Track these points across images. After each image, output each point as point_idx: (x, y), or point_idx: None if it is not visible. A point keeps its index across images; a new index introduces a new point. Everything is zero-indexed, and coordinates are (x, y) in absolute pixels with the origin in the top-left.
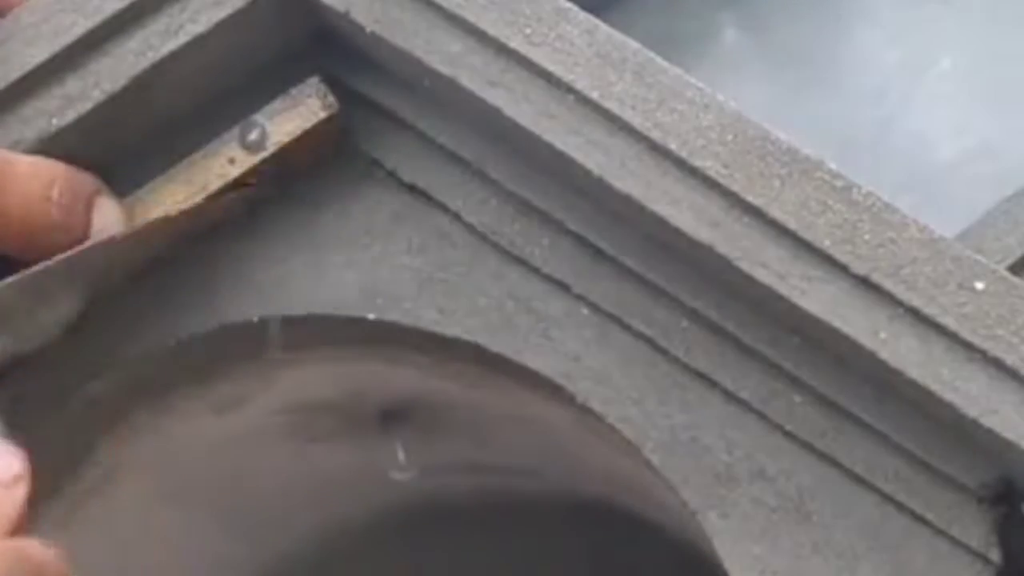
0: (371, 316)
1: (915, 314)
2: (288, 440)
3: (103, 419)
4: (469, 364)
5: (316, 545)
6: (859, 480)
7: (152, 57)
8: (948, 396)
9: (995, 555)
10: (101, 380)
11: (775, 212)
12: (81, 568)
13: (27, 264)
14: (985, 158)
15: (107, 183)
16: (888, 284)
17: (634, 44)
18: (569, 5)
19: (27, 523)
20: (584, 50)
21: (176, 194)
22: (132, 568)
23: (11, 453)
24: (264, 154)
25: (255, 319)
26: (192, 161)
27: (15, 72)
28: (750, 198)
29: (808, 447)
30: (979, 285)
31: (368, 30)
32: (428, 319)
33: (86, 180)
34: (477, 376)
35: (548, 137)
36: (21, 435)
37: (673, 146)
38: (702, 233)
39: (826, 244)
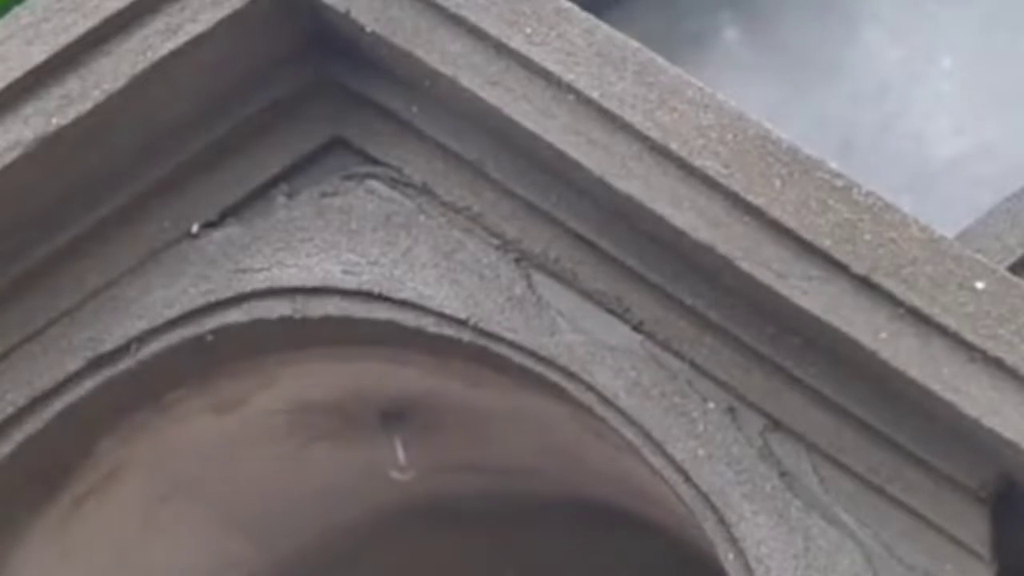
0: (372, 315)
1: (916, 314)
2: (288, 440)
3: (103, 419)
4: (469, 364)
5: (316, 544)
6: (860, 479)
7: (152, 57)
8: (949, 396)
9: (995, 554)
10: (97, 379)
11: (776, 212)
12: (81, 567)
13: None
14: (986, 158)
15: (106, 184)
16: (889, 284)
17: (634, 43)
18: (569, 5)
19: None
20: (584, 50)
21: None
22: (132, 567)
23: None
24: None
25: (253, 319)
26: None
27: (15, 71)
28: (751, 198)
29: (810, 446)
30: (980, 285)
31: (368, 30)
32: (434, 312)
33: None
34: (477, 376)
35: (548, 137)
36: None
37: (674, 146)
38: (703, 233)
39: (827, 244)
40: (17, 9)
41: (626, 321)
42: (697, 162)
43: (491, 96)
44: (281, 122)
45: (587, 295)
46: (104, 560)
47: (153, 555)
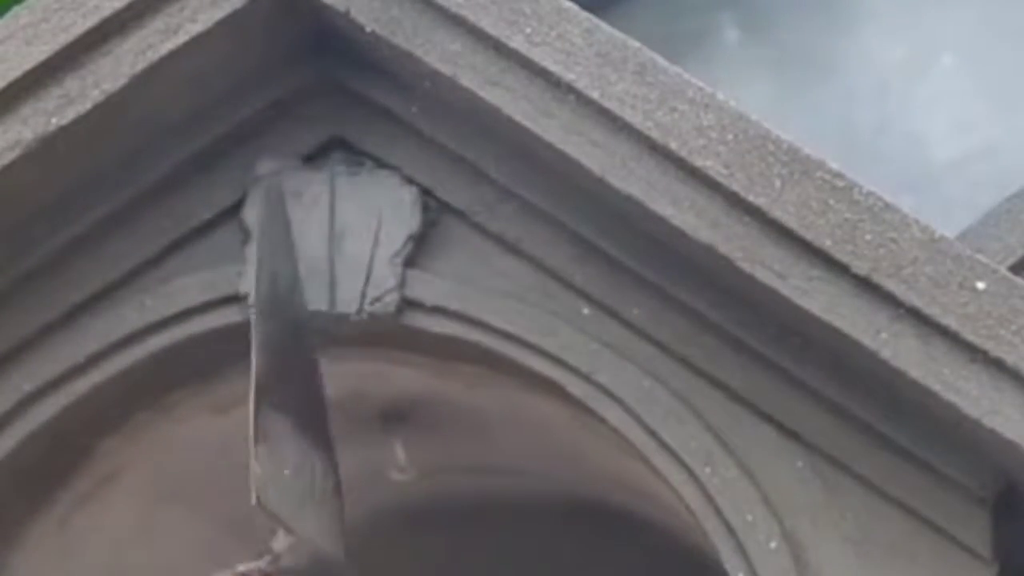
0: (372, 314)
1: (916, 314)
2: None
3: (103, 419)
4: (469, 364)
5: None
6: (862, 480)
7: (151, 57)
8: (949, 396)
9: (996, 555)
10: (96, 379)
11: (776, 212)
12: (80, 568)
13: None
14: (986, 157)
15: (105, 184)
16: (889, 284)
17: (635, 43)
18: (569, 4)
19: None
20: (584, 49)
21: None
22: (131, 568)
23: None
24: None
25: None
26: None
27: (14, 72)
28: (751, 198)
29: (810, 447)
30: (980, 285)
31: (368, 29)
32: (433, 311)
33: None
34: (477, 376)
35: (548, 137)
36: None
37: (674, 146)
38: (703, 233)
39: (827, 244)
40: (16, 9)
41: (626, 321)
42: (697, 162)
43: (491, 96)
44: (281, 122)
45: (586, 295)
46: (103, 561)
47: (152, 555)
